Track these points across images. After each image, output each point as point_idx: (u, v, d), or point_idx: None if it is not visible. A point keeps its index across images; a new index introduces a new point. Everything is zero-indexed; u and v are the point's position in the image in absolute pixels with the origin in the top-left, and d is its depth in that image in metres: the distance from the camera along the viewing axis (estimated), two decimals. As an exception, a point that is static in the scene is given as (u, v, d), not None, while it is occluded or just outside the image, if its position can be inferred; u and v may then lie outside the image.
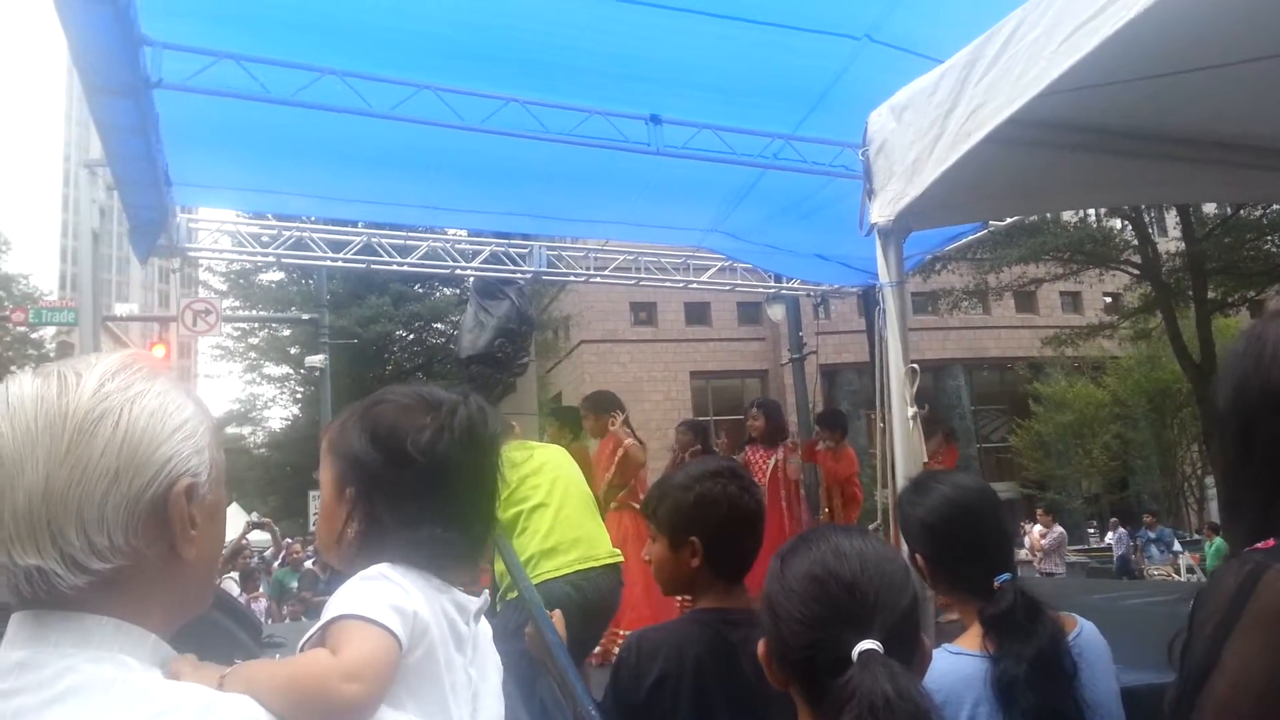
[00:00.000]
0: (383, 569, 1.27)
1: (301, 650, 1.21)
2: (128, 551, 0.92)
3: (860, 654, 1.16)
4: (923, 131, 2.74)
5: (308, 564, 13.63)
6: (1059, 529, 16.87)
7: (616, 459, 6.10)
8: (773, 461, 7.13)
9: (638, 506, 5.99)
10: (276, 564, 13.82)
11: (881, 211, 2.93)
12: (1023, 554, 15.88)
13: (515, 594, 3.60)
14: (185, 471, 0.97)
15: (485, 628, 1.43)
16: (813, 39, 4.65)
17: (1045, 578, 14.25)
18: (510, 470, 3.91)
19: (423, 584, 1.29)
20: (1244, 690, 1.09)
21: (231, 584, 12.28)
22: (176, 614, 1.01)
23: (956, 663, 1.85)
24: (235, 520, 19.67)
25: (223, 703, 0.92)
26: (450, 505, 1.36)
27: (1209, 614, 1.15)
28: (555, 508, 3.95)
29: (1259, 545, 1.16)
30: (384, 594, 1.23)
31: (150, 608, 0.96)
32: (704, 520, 2.05)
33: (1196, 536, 20.86)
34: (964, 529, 1.96)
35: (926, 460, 3.09)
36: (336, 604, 1.22)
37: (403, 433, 1.36)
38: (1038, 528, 16.63)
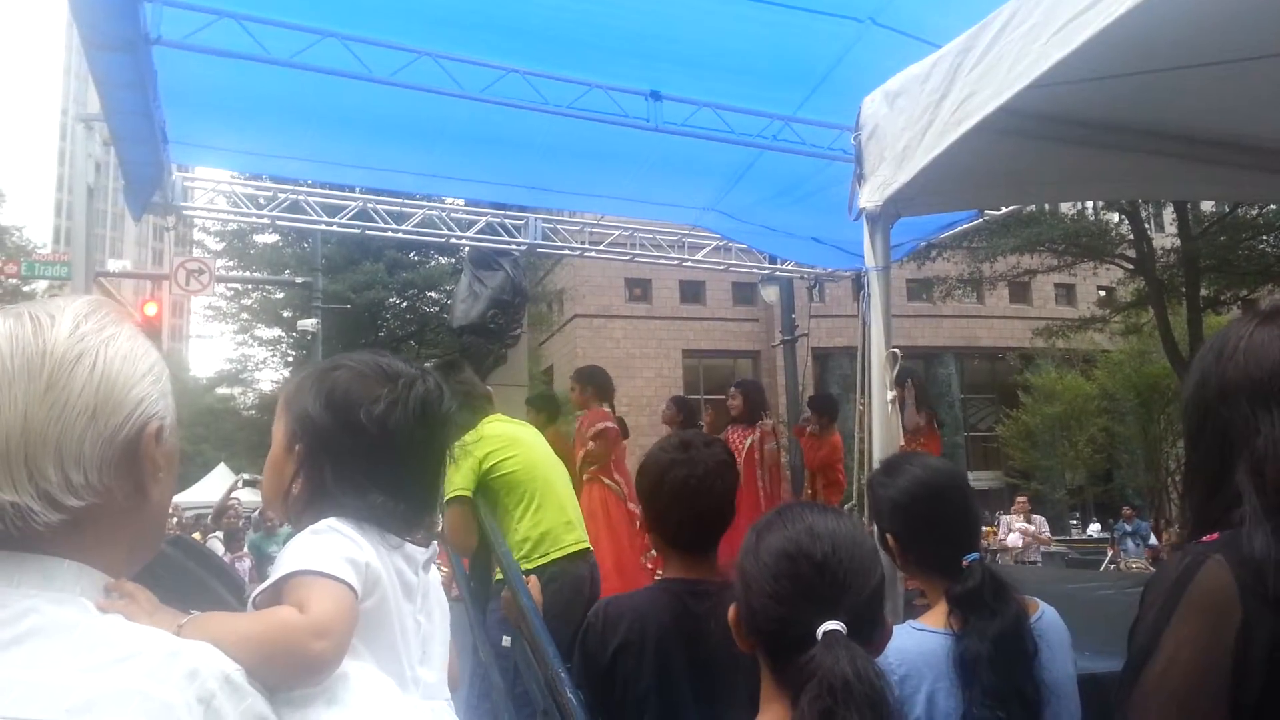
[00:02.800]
0: (331, 523, 1.30)
1: (253, 604, 1.22)
2: (100, 490, 0.93)
3: (824, 634, 1.21)
4: (914, 118, 2.76)
5: (284, 529, 13.44)
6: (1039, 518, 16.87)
7: (594, 432, 6.22)
8: (749, 441, 7.20)
9: (608, 481, 6.11)
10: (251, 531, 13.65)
11: (870, 196, 2.95)
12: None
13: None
14: (155, 414, 0.98)
15: (434, 576, 1.47)
16: (816, 20, 4.64)
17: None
18: (510, 445, 3.90)
19: (369, 535, 1.31)
20: (1177, 669, 1.17)
21: (216, 543, 12.32)
22: (134, 556, 1.02)
23: (920, 639, 1.90)
24: (224, 481, 19.72)
25: (189, 650, 0.92)
26: (396, 476, 1.37)
27: (1153, 600, 1.23)
28: (558, 491, 4.03)
29: (1205, 539, 1.23)
30: (337, 547, 1.26)
31: (112, 549, 0.98)
32: (642, 488, 2.18)
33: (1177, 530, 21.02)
34: (934, 509, 2.01)
35: (908, 433, 3.13)
36: (291, 559, 1.24)
37: (356, 401, 1.37)
38: (1020, 521, 16.34)
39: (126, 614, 0.95)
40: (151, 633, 0.93)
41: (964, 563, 1.92)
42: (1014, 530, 15.85)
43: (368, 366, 1.43)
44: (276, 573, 1.23)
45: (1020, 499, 17.71)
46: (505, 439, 3.95)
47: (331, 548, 1.25)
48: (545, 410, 6.80)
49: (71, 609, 0.90)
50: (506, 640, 3.13)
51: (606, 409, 6.47)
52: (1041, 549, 15.88)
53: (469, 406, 4.00)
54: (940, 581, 1.97)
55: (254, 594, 1.24)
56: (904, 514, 2.05)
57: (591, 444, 6.18)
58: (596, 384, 6.57)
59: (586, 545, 3.96)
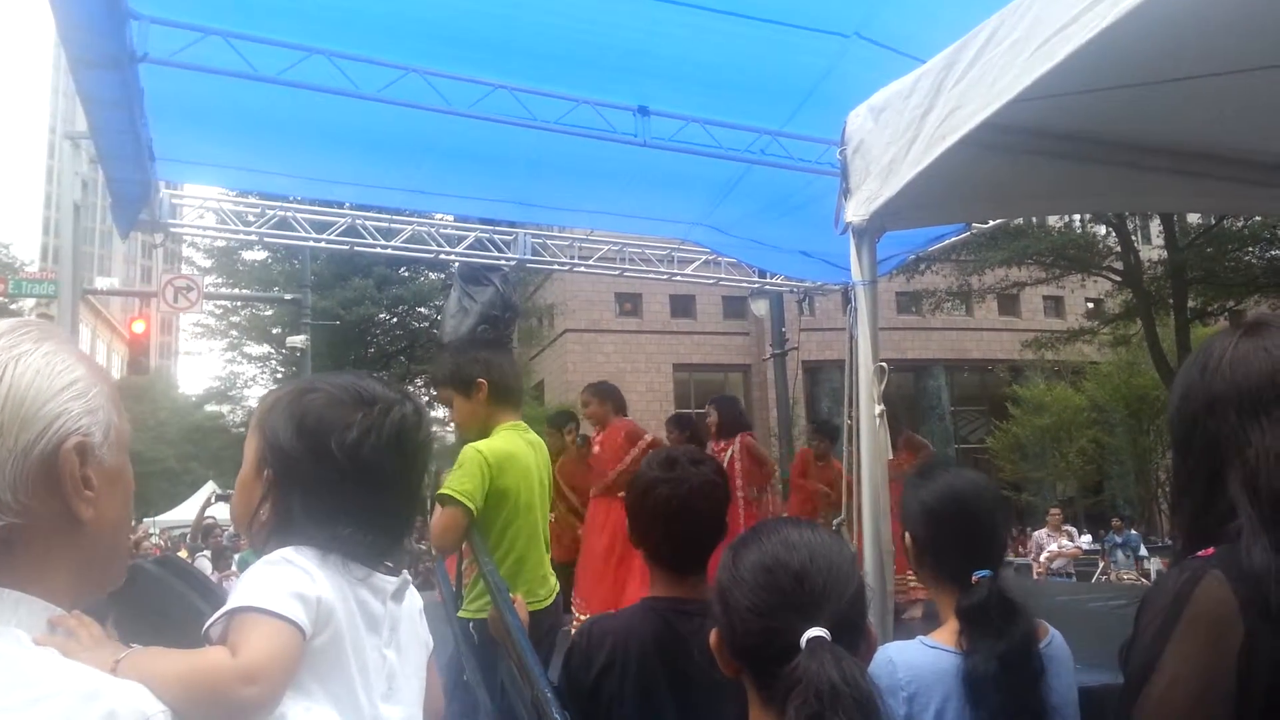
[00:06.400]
0: (286, 553, 1.26)
1: (205, 634, 1.20)
2: (18, 509, 0.91)
3: (808, 641, 1.20)
4: (899, 133, 2.77)
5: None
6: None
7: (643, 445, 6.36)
8: (729, 453, 7.24)
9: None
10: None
11: (856, 211, 2.95)
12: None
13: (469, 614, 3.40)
14: (75, 430, 0.96)
15: (410, 605, 1.41)
16: (802, 35, 4.66)
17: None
18: (512, 466, 3.37)
19: (331, 566, 1.27)
20: (1180, 688, 1.15)
21: (204, 562, 12.25)
22: (83, 584, 1.00)
23: (931, 656, 1.88)
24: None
25: (110, 692, 0.88)
26: (367, 506, 1.33)
27: (1151, 618, 1.21)
28: (534, 525, 3.57)
29: (1200, 554, 1.22)
30: (287, 581, 1.22)
31: (50, 575, 0.95)
32: (629, 504, 2.17)
33: (1168, 542, 20.89)
34: (958, 517, 1.99)
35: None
36: (240, 592, 1.21)
37: (328, 428, 1.33)
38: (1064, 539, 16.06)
39: (63, 649, 0.92)
40: (77, 671, 0.89)
41: (973, 578, 1.90)
42: (1047, 550, 15.71)
43: (343, 390, 1.39)
44: (229, 604, 1.21)
45: (1053, 512, 17.48)
46: (510, 456, 3.47)
47: (281, 581, 1.22)
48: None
49: (1, 642, 0.88)
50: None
51: (631, 420, 6.69)
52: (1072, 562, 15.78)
53: (508, 402, 3.60)
54: (952, 591, 1.94)
55: (206, 625, 1.21)
56: (927, 516, 2.02)
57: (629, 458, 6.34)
58: (615, 399, 6.81)
59: (539, 600, 3.48)
